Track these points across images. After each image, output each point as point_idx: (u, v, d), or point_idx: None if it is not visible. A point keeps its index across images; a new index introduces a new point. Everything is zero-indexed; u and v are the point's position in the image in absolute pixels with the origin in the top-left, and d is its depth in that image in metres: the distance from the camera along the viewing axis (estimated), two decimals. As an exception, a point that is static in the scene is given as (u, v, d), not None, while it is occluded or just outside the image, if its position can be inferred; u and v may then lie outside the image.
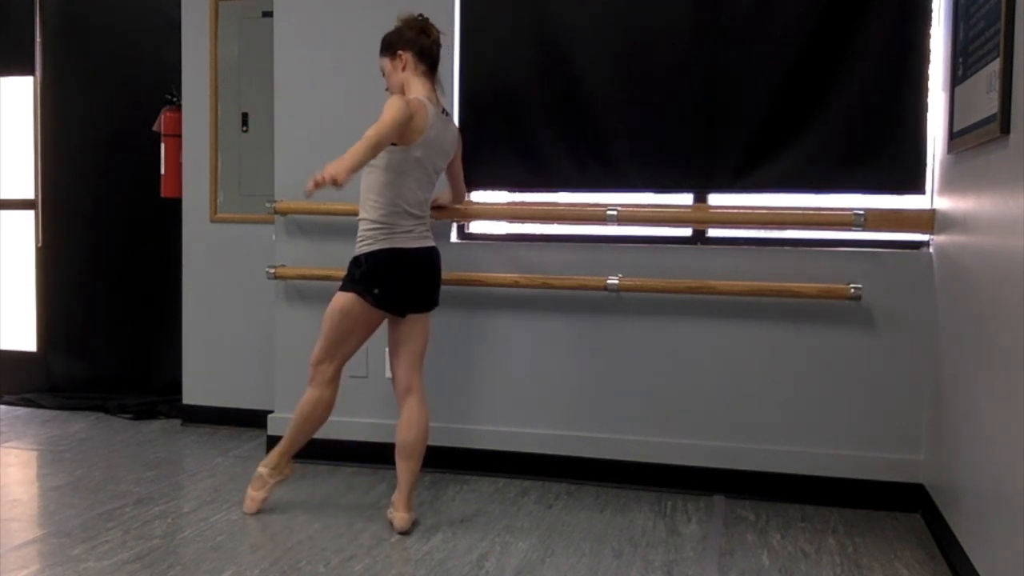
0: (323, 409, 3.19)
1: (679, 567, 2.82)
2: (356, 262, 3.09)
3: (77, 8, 4.96)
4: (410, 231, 3.07)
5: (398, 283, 3.07)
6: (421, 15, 3.19)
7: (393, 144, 2.98)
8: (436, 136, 3.08)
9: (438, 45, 3.18)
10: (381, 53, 3.18)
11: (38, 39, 5.04)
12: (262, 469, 3.26)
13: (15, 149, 5.20)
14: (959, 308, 2.90)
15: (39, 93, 5.06)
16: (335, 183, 2.70)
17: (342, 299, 3.09)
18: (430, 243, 3.16)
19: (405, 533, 3.07)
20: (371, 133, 2.85)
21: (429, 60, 3.15)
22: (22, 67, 5.08)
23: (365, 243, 3.06)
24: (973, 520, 2.65)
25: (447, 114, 3.21)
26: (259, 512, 3.22)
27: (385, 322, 3.18)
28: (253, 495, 3.25)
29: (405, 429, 3.12)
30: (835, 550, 2.98)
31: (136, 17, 4.85)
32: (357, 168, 2.80)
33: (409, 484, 3.11)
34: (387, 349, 3.46)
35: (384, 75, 3.19)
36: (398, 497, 3.11)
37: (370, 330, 3.17)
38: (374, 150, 2.86)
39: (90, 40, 4.94)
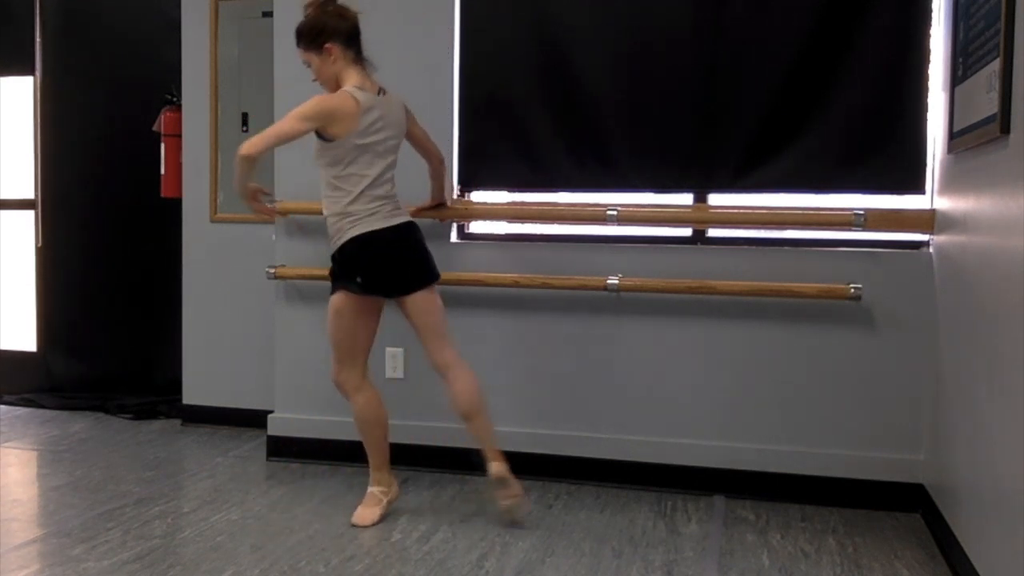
0: (372, 411, 3.20)
1: (679, 567, 2.82)
2: (332, 259, 3.14)
3: (77, 8, 4.96)
4: (375, 212, 3.07)
5: (377, 265, 3.07)
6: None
7: (328, 140, 3.01)
8: (377, 119, 3.06)
9: (358, 27, 3.12)
10: (303, 47, 3.10)
11: (38, 39, 5.04)
12: (373, 488, 3.22)
13: (15, 149, 5.20)
14: (959, 308, 2.90)
15: (39, 93, 5.06)
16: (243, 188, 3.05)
17: (332, 302, 3.14)
18: (402, 219, 3.14)
19: (503, 481, 3.07)
20: (268, 136, 2.98)
21: (356, 45, 3.11)
22: (22, 67, 5.08)
23: (335, 238, 3.10)
24: (973, 520, 2.65)
25: (384, 91, 3.15)
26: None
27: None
28: (365, 512, 3.18)
29: (457, 402, 3.14)
30: (835, 550, 2.98)
31: (136, 17, 4.85)
32: (254, 156, 2.97)
33: (487, 439, 3.12)
34: (388, 350, 3.49)
35: (310, 68, 3.13)
36: (485, 453, 3.11)
37: (372, 319, 3.18)
38: (257, 146, 2.96)
39: (90, 40, 4.94)
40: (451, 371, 3.15)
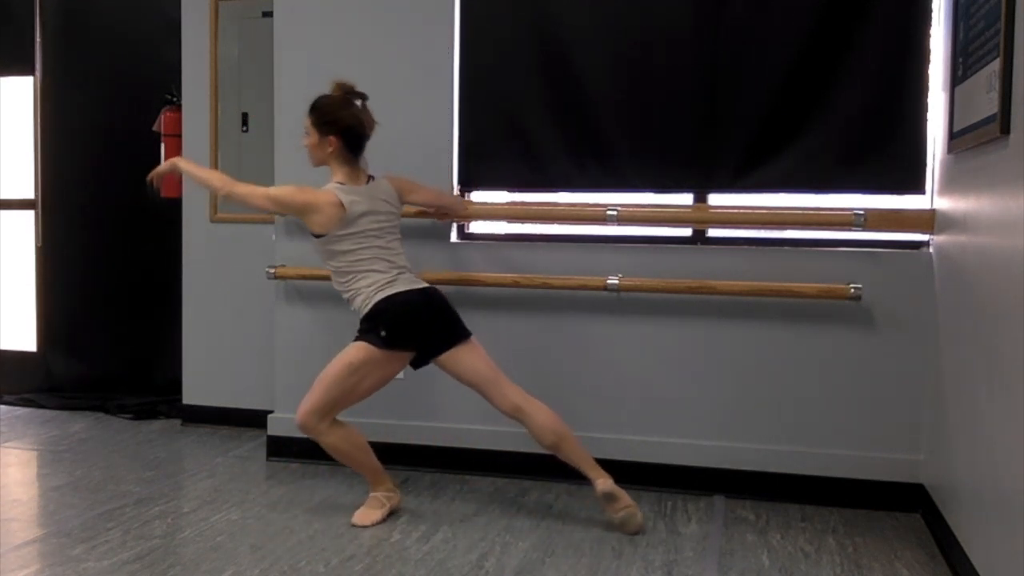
0: (349, 442, 3.15)
1: (679, 567, 2.82)
2: (360, 322, 3.12)
3: (77, 8, 4.96)
4: (395, 280, 3.11)
5: (404, 320, 3.08)
6: (360, 94, 3.15)
7: (317, 236, 3.10)
8: (365, 210, 3.11)
9: (369, 133, 3.16)
10: (311, 120, 3.14)
11: (38, 39, 5.04)
12: (377, 493, 3.21)
13: (15, 149, 5.20)
14: (959, 308, 2.90)
15: (39, 93, 5.06)
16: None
17: (348, 352, 3.09)
18: (424, 284, 3.18)
19: (612, 496, 3.04)
20: (237, 188, 3.15)
21: (357, 147, 3.15)
22: (22, 67, 5.08)
23: (362, 309, 3.11)
24: (973, 520, 2.65)
25: (372, 178, 3.21)
26: (263, 512, 3.22)
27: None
28: (366, 512, 3.17)
29: (539, 438, 3.13)
30: (835, 550, 2.98)
31: (136, 17, 4.85)
32: (188, 174, 3.33)
33: (582, 461, 3.10)
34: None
35: (305, 136, 3.17)
36: (585, 474, 3.10)
37: (380, 379, 3.14)
38: (218, 189, 3.24)
39: (90, 40, 4.94)
40: (522, 412, 3.11)
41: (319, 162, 3.19)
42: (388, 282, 3.10)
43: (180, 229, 4.54)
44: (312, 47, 3.87)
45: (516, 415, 3.12)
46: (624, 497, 3.07)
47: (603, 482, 3.07)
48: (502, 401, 3.13)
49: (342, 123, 3.11)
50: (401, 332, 3.08)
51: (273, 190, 3.15)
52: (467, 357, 3.15)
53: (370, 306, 3.08)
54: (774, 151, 3.47)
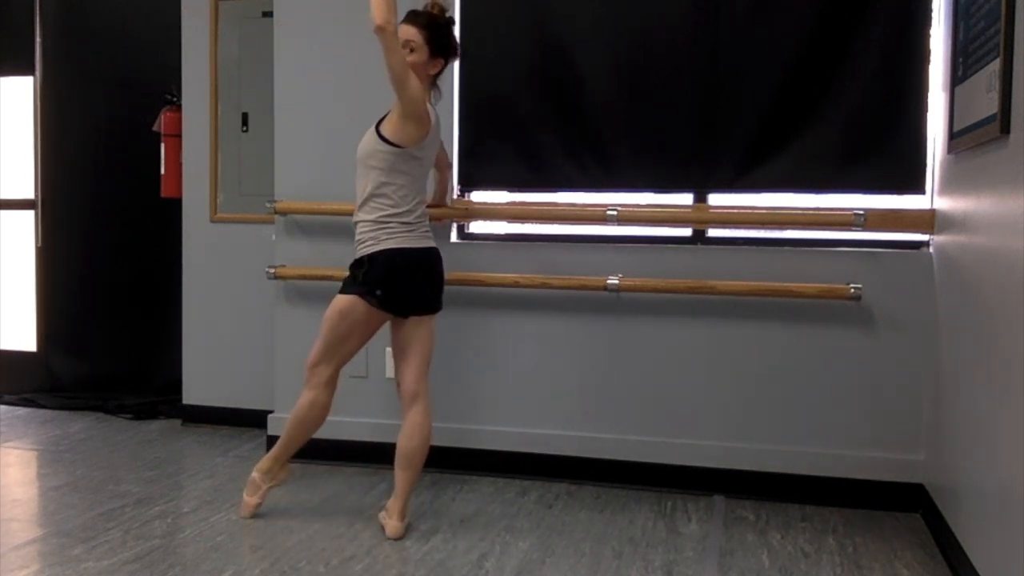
0: (319, 412, 3.15)
1: (679, 567, 2.82)
2: (358, 263, 3.06)
3: (77, 8, 4.96)
4: (413, 230, 3.05)
5: (401, 284, 3.04)
6: (451, 19, 3.11)
7: (396, 147, 2.96)
8: (434, 136, 3.09)
9: None
10: (428, 37, 2.98)
11: (38, 39, 5.05)
12: (256, 474, 3.21)
13: (15, 149, 5.20)
14: (959, 308, 2.91)
15: (39, 93, 5.06)
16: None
17: (342, 301, 3.06)
18: (431, 243, 3.13)
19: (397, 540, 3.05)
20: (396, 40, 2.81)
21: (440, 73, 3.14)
22: (22, 67, 5.08)
23: (367, 244, 3.04)
24: (973, 520, 2.65)
25: (433, 107, 3.14)
26: (255, 516, 3.20)
27: (387, 325, 3.15)
28: (247, 500, 3.20)
29: (407, 437, 3.08)
30: (835, 550, 2.98)
31: (136, 17, 4.86)
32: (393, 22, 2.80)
33: (406, 493, 3.08)
34: (388, 350, 3.46)
35: (411, 52, 2.96)
36: (393, 504, 3.08)
37: (370, 333, 3.14)
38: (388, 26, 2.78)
39: (90, 40, 4.94)
40: (419, 406, 3.09)
41: (407, 76, 2.93)
42: (405, 231, 3.01)
43: (180, 229, 4.54)
44: (312, 47, 3.87)
45: (409, 403, 3.09)
46: (400, 534, 3.05)
47: (399, 527, 3.03)
48: (416, 382, 3.09)
49: (453, 47, 3.06)
50: (394, 297, 3.03)
51: (414, 80, 2.91)
52: (426, 328, 3.11)
53: (374, 250, 3.00)
54: (774, 151, 3.47)
